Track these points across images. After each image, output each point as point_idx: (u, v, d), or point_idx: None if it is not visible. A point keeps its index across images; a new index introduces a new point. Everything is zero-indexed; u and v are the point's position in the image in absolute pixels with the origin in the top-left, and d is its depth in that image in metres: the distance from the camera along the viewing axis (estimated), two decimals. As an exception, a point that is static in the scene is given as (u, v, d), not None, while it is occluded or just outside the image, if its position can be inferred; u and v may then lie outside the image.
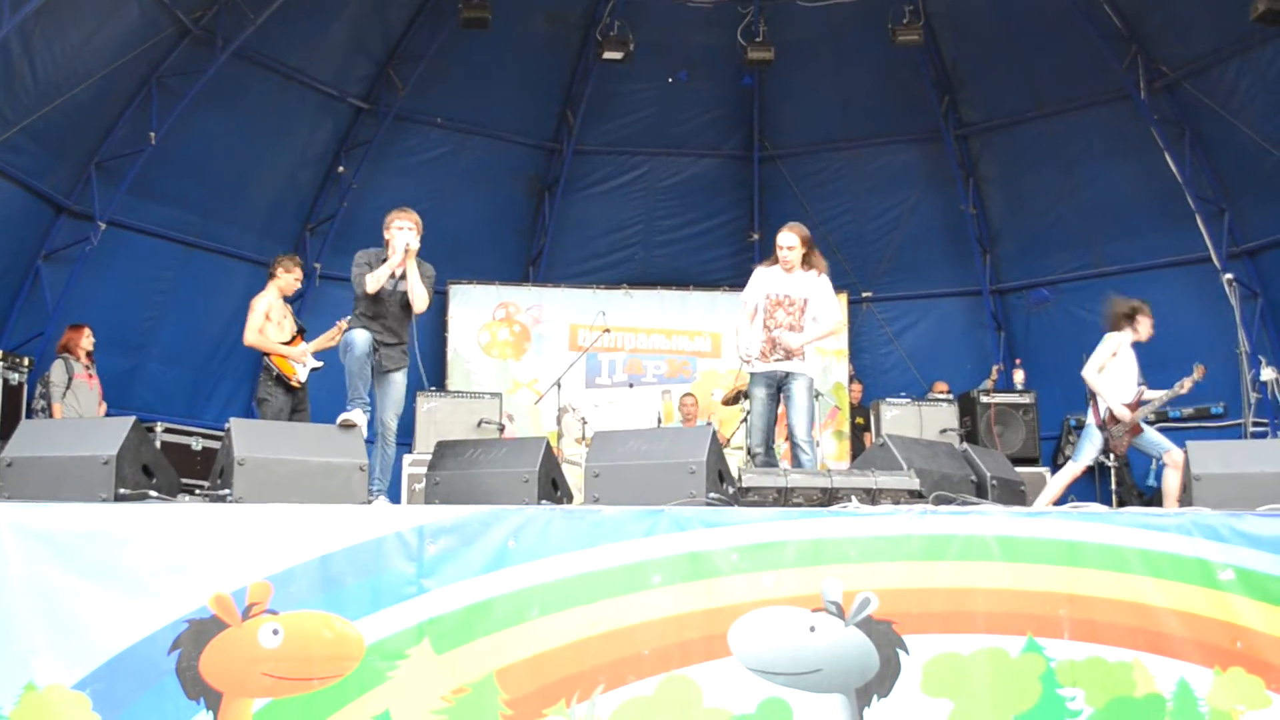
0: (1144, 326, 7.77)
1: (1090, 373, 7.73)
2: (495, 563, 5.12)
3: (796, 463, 7.13)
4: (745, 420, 8.39)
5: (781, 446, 8.21)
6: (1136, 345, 7.89)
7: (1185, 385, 7.75)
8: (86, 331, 9.86)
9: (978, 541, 5.26)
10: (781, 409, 7.37)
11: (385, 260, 6.79)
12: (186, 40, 10.88)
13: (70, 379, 9.66)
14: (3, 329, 10.47)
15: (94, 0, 9.64)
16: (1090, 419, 7.74)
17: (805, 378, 7.26)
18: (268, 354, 8.01)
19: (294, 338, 8.16)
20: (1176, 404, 11.29)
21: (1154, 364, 8.21)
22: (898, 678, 5.11)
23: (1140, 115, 12.00)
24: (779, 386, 7.28)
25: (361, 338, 6.64)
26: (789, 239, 7.31)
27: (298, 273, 8.35)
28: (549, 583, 5.12)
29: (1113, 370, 7.72)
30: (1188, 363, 8.05)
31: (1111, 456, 10.21)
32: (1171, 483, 7.39)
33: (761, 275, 7.44)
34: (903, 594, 5.19)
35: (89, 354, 9.86)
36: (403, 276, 6.80)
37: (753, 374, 7.34)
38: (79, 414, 9.51)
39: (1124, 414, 7.59)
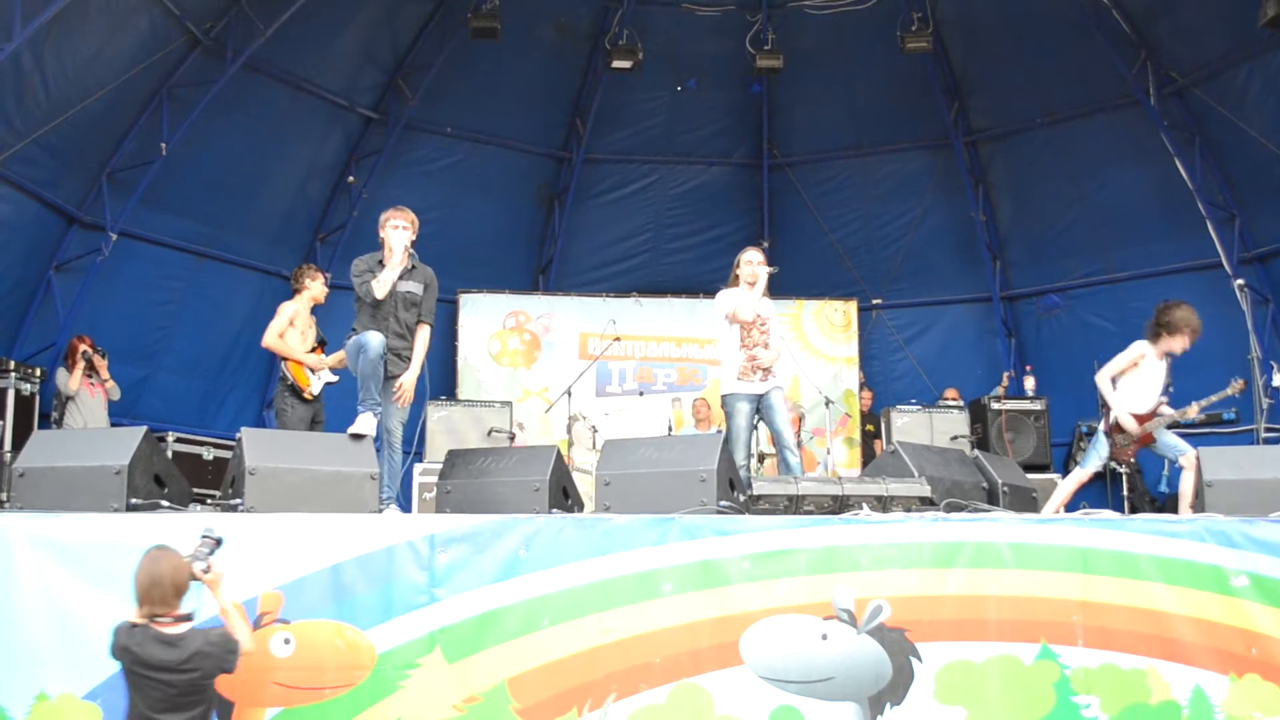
0: (1178, 340, 7.24)
1: (1102, 378, 7.41)
2: (506, 571, 5.13)
3: (786, 467, 7.36)
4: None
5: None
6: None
7: (1190, 411, 7.31)
8: (79, 345, 9.85)
9: (990, 548, 5.24)
10: (758, 421, 7.63)
11: (383, 262, 6.76)
12: (197, 51, 10.92)
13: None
14: (15, 340, 10.48)
15: (104, 12, 9.67)
16: (1100, 425, 7.58)
17: (781, 389, 7.63)
18: (283, 359, 8.00)
19: (315, 349, 8.16)
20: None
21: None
22: (911, 685, 5.10)
23: (1150, 121, 11.96)
24: (758, 403, 7.49)
25: (376, 340, 6.56)
26: (759, 258, 7.67)
27: (323, 279, 8.44)
28: (560, 591, 5.12)
29: (1133, 379, 7.36)
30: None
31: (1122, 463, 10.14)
32: (1187, 485, 7.16)
33: (746, 294, 7.58)
34: (915, 601, 5.17)
35: (92, 364, 9.86)
36: (403, 278, 6.77)
37: (735, 393, 7.48)
38: (84, 424, 9.54)
39: (1130, 424, 7.27)
